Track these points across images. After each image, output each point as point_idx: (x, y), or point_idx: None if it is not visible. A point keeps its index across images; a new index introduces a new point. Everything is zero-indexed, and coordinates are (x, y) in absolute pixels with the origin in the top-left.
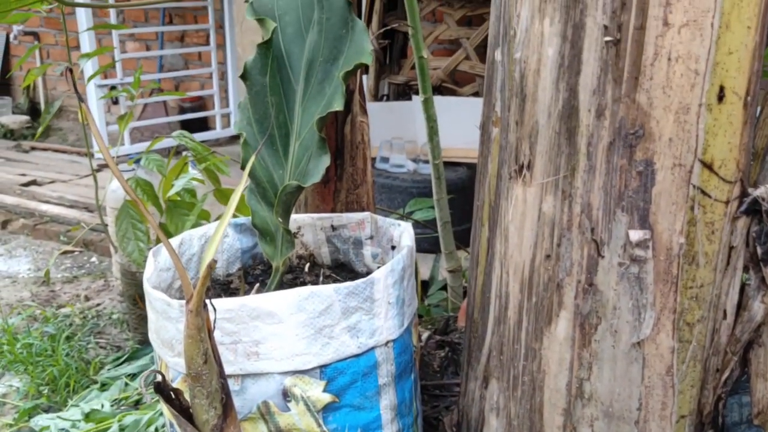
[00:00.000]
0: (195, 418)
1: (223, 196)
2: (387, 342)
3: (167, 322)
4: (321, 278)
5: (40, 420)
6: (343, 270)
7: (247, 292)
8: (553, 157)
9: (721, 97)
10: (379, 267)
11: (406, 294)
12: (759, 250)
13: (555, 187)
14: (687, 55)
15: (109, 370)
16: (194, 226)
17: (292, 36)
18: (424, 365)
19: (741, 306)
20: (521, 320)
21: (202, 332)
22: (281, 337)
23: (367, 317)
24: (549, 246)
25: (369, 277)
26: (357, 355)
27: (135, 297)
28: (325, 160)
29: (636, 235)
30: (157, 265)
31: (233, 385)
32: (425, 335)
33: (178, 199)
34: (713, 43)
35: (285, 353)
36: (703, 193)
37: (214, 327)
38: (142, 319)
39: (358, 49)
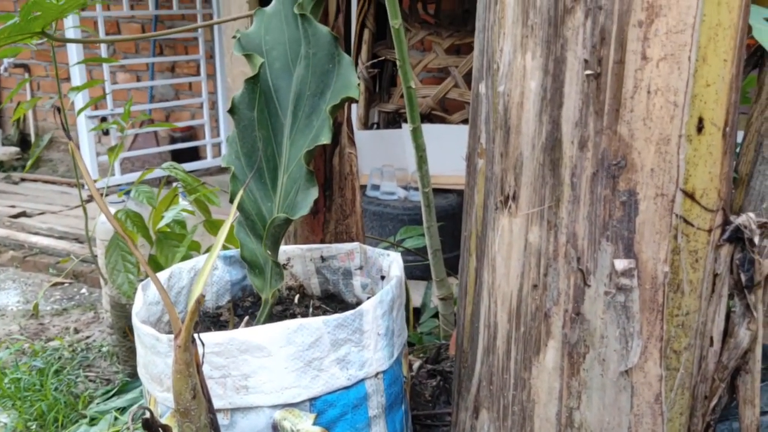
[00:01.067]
0: None
1: (213, 227)
2: (377, 374)
3: (156, 356)
4: (311, 309)
5: None
6: (333, 300)
7: (236, 325)
8: (538, 188)
9: (700, 128)
10: (369, 297)
11: (396, 325)
12: (743, 277)
13: (540, 217)
14: (666, 88)
15: (98, 404)
16: (185, 257)
17: (280, 71)
18: (416, 395)
19: (727, 333)
20: (510, 350)
21: (190, 367)
22: (270, 370)
23: (356, 349)
24: (536, 276)
25: (358, 308)
26: (347, 387)
27: (125, 329)
28: (313, 193)
29: (621, 264)
30: (146, 299)
31: (222, 419)
32: (417, 364)
33: (168, 230)
34: (691, 75)
35: (274, 386)
36: (686, 222)
37: (203, 361)
38: (131, 352)
39: (345, 83)
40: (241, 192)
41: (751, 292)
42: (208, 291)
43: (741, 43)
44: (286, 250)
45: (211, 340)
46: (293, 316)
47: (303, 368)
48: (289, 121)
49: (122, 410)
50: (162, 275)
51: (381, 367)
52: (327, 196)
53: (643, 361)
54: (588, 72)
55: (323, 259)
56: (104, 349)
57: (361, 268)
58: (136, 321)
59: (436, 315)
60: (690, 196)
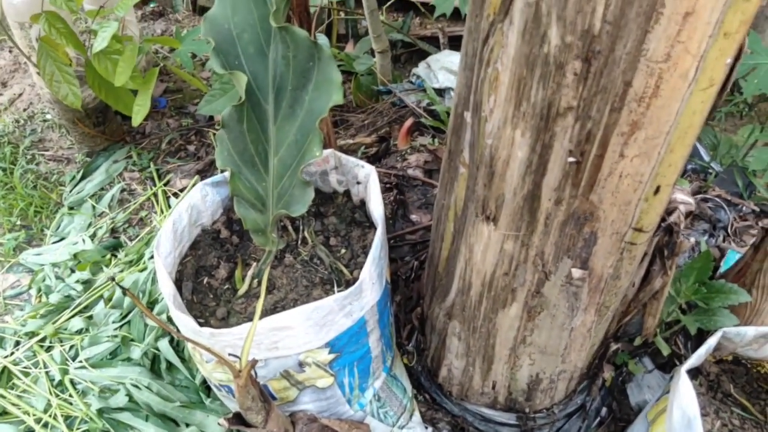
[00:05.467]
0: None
1: None
2: (372, 306)
3: (198, 337)
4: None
5: (29, 257)
6: (316, 194)
7: (236, 246)
8: (516, 221)
9: (656, 192)
10: (345, 190)
11: (383, 261)
12: (666, 252)
13: (515, 238)
14: (635, 174)
15: (71, 192)
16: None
17: (254, 55)
18: None
19: (646, 280)
20: (481, 301)
21: (249, 389)
22: (294, 337)
23: (357, 302)
24: (507, 268)
25: (358, 283)
26: (351, 326)
27: (74, 120)
28: (310, 195)
29: (577, 273)
30: (164, 259)
31: (259, 364)
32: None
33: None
34: (658, 163)
35: (297, 344)
36: (632, 244)
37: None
38: (84, 136)
39: (326, 77)
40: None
41: (669, 260)
42: (204, 214)
43: (704, 125)
44: None
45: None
46: (284, 227)
47: (319, 329)
48: (271, 107)
49: (96, 197)
50: (167, 226)
51: (375, 300)
52: None
53: (584, 317)
54: (571, 160)
55: None
56: (48, 118)
57: (336, 168)
58: (175, 312)
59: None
60: (638, 230)
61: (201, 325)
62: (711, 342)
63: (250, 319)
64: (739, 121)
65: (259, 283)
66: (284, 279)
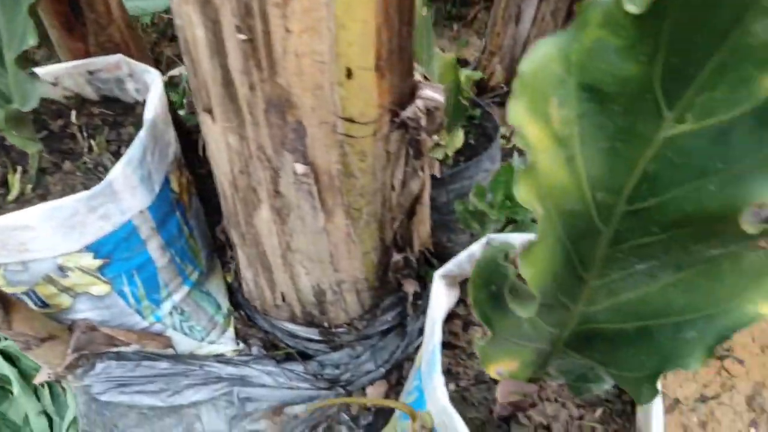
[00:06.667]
0: None
1: None
2: (141, 211)
3: None
4: (88, 124)
5: None
6: (112, 102)
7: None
8: (225, 111)
9: (349, 75)
10: (145, 100)
11: (153, 165)
12: (411, 152)
13: (233, 131)
14: (312, 53)
15: None
16: None
17: None
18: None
19: (404, 184)
20: (236, 204)
21: None
22: (42, 239)
23: (114, 205)
24: (241, 165)
25: (106, 180)
26: (114, 231)
27: None
28: (39, 88)
29: (300, 168)
30: None
31: (17, 267)
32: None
33: None
34: (334, 42)
35: (48, 247)
36: (348, 136)
37: None
38: None
39: None
40: None
41: (418, 160)
42: None
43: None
44: (50, 71)
45: None
46: (73, 136)
47: (69, 232)
48: None
49: None
50: None
51: (143, 205)
52: (75, 14)
53: (332, 219)
54: (241, 36)
55: (90, 72)
56: None
57: (131, 75)
58: None
59: None
60: (349, 120)
61: None
62: (473, 248)
63: None
64: None
65: (34, 190)
66: (60, 186)
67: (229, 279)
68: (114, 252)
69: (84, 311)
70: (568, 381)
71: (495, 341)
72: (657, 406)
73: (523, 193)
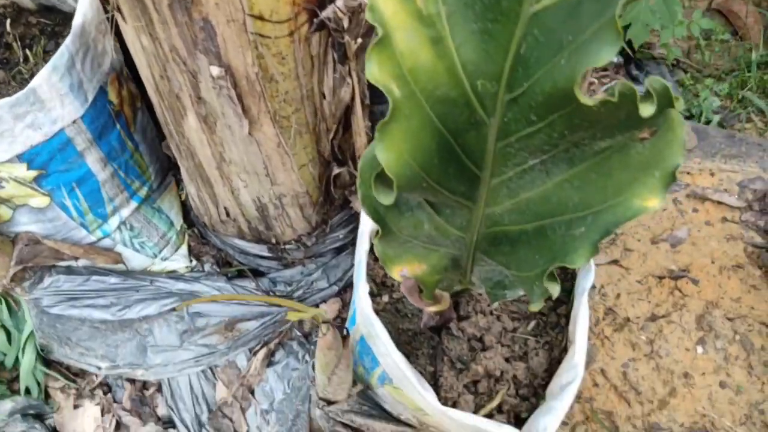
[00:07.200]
0: None
1: None
2: (74, 121)
3: None
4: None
5: None
6: (52, 12)
7: None
8: (133, 9)
9: None
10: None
11: (84, 74)
12: (336, 55)
13: (143, 31)
14: None
15: None
16: None
17: None
18: None
19: (333, 91)
20: (165, 114)
21: None
22: None
23: (42, 113)
24: (160, 70)
25: (29, 86)
26: (46, 140)
27: None
28: None
29: (215, 70)
30: None
31: None
32: None
33: None
34: None
35: None
36: (262, 36)
37: None
38: None
39: None
40: None
41: (345, 65)
42: None
43: None
44: None
45: None
46: (8, 45)
47: None
48: None
49: None
50: None
51: (76, 115)
52: None
53: (259, 126)
54: None
55: None
56: None
57: None
58: None
59: None
60: (259, 17)
61: None
62: None
63: None
64: None
65: None
66: None
67: (183, 197)
68: (49, 163)
69: (26, 224)
70: (486, 288)
71: (393, 241)
72: (583, 318)
73: (375, 71)
